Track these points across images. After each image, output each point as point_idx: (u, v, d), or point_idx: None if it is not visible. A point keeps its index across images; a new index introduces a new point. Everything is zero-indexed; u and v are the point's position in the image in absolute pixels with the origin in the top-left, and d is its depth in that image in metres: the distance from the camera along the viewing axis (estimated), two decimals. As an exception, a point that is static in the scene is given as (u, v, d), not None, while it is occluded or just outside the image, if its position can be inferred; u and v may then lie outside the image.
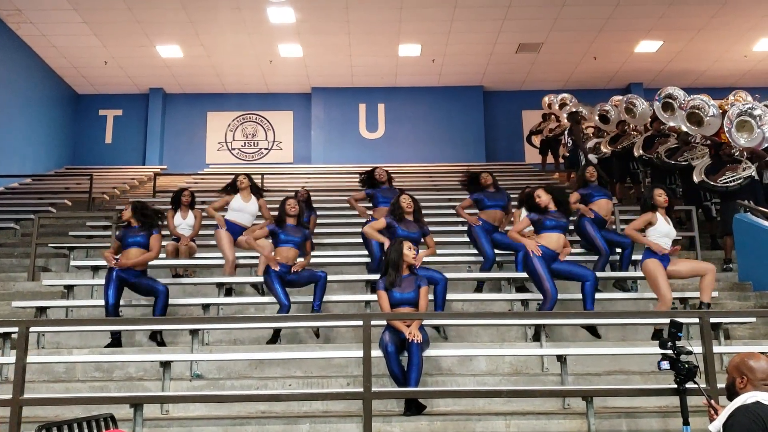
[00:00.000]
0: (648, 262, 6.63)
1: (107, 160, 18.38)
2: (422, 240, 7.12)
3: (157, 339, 6.95)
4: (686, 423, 4.40)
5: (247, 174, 8.52)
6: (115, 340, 6.85)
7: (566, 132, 13.10)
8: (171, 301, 7.01)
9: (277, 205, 7.35)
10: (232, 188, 8.34)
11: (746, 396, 3.16)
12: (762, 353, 3.46)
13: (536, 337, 6.70)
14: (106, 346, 6.78)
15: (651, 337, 6.80)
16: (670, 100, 10.69)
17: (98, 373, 6.45)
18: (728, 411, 3.16)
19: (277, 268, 6.83)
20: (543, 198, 6.89)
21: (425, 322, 5.99)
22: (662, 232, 6.76)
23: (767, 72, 17.88)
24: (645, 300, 7.52)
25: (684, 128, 9.94)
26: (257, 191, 8.37)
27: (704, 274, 6.61)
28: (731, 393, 3.30)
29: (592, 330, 6.88)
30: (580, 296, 6.89)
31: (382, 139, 18.94)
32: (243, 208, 8.22)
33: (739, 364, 3.29)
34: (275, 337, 6.92)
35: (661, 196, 6.85)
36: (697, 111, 9.78)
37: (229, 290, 8.02)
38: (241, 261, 8.33)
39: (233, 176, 8.53)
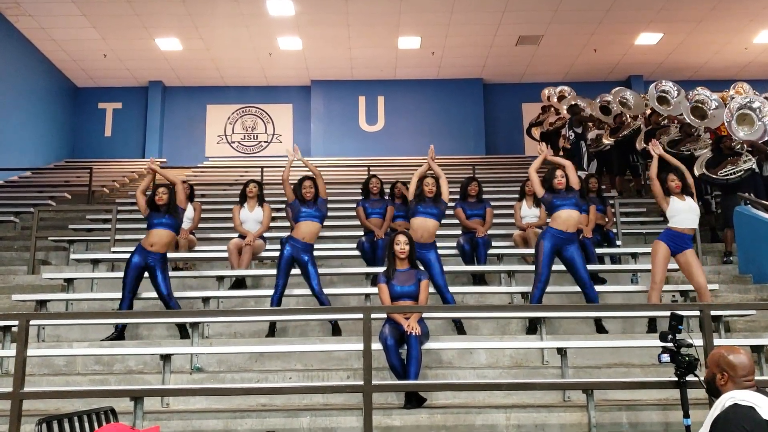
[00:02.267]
0: (655, 242, 6.76)
1: (107, 153, 18.37)
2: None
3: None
4: (686, 416, 4.40)
5: (257, 182, 8.67)
6: (119, 333, 6.90)
7: (567, 124, 13.08)
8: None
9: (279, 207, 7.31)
10: (241, 197, 8.51)
11: (725, 399, 3.06)
12: (741, 346, 3.41)
13: (532, 330, 6.71)
14: (106, 339, 6.79)
15: (647, 330, 6.82)
16: (664, 94, 10.73)
17: (98, 366, 6.46)
18: (710, 419, 3.07)
19: None
20: (562, 180, 6.90)
21: (425, 315, 6.00)
22: (680, 209, 6.75)
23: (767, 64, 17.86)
24: (644, 293, 7.52)
25: (688, 121, 9.94)
26: (261, 199, 8.51)
27: (698, 291, 6.65)
28: (711, 388, 3.22)
29: (599, 325, 6.90)
30: (579, 289, 6.88)
31: (381, 132, 18.91)
32: (248, 218, 8.35)
33: (719, 361, 3.20)
34: (272, 330, 6.95)
35: (673, 181, 6.85)
36: (700, 105, 9.78)
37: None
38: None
39: (243, 184, 8.68)
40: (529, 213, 8.58)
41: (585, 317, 6.89)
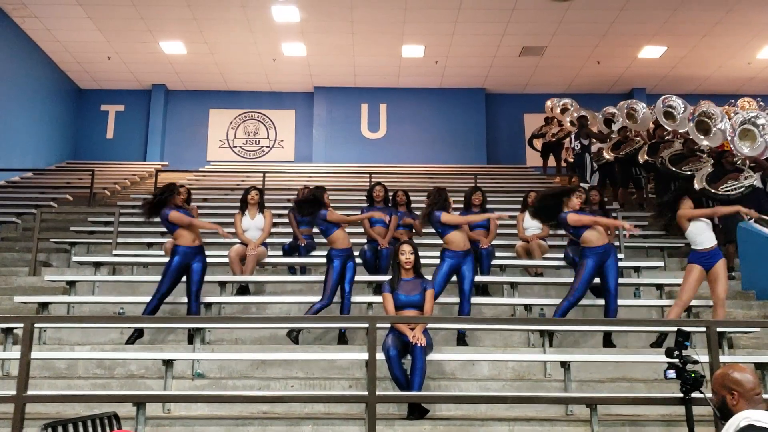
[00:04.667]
0: (688, 265, 6.88)
1: (108, 155, 18.37)
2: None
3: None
4: (691, 432, 4.40)
5: (259, 189, 8.63)
6: (138, 332, 6.91)
7: (574, 135, 13.14)
8: (172, 299, 7.01)
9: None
10: (242, 203, 8.45)
11: (738, 418, 2.98)
12: (745, 363, 3.37)
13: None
14: (129, 341, 6.81)
15: (651, 344, 6.80)
16: (671, 110, 10.77)
17: (100, 370, 6.43)
18: None
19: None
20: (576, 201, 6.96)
21: (429, 325, 5.99)
22: (703, 229, 6.91)
23: (771, 80, 17.91)
24: (647, 307, 7.53)
25: (691, 135, 9.96)
26: (262, 206, 8.47)
27: (714, 302, 6.70)
28: (725, 412, 3.11)
29: (608, 339, 6.90)
30: (587, 302, 6.87)
31: (383, 140, 18.93)
32: (249, 226, 8.29)
33: (724, 381, 3.12)
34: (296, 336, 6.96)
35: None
36: (706, 119, 9.78)
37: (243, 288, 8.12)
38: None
39: (244, 190, 8.64)
40: (532, 224, 8.57)
41: (590, 331, 6.89)
